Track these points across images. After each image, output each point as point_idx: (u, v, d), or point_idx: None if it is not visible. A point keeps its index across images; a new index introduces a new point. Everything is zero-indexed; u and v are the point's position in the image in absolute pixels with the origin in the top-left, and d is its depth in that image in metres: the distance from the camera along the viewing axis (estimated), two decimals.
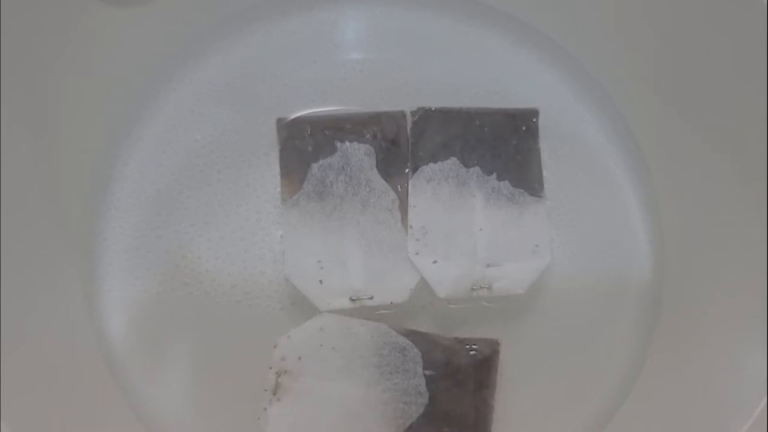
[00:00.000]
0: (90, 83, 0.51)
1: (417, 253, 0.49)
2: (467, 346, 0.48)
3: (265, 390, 0.47)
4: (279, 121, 0.52)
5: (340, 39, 0.56)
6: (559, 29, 0.56)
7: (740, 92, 0.48)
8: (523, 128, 0.52)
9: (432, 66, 0.55)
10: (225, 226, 0.52)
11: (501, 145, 0.51)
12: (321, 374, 0.47)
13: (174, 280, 0.51)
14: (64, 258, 0.50)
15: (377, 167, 0.50)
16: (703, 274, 0.50)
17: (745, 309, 0.46)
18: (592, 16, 0.54)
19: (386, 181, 0.50)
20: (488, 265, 0.49)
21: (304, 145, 0.51)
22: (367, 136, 0.51)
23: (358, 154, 0.50)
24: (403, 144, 0.51)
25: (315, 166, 0.50)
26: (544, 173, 0.52)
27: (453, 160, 0.51)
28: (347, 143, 0.51)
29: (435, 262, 0.49)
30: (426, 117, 0.52)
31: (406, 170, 0.51)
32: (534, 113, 0.52)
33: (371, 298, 0.48)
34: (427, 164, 0.51)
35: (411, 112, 0.52)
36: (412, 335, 0.48)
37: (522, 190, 0.51)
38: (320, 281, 0.48)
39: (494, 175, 0.51)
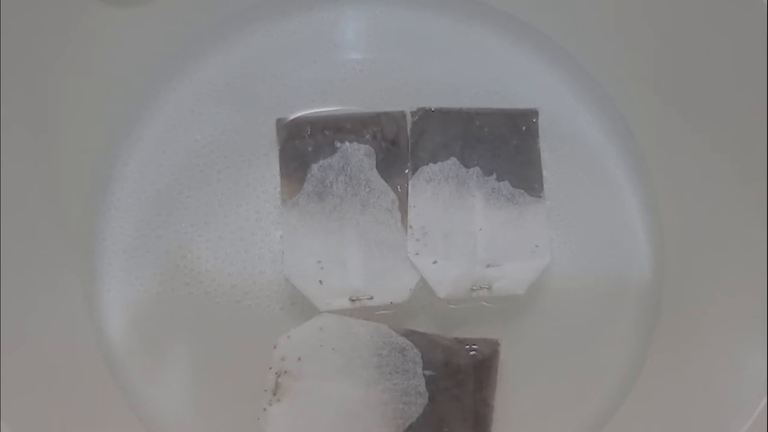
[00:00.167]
0: (90, 83, 0.51)
1: (417, 254, 0.49)
2: (467, 347, 0.48)
3: (265, 390, 0.47)
4: (279, 121, 0.52)
5: (340, 39, 0.56)
6: (559, 29, 0.56)
7: (740, 92, 0.48)
8: (523, 128, 0.52)
9: (432, 66, 0.55)
10: (225, 226, 0.52)
11: (501, 146, 0.51)
12: (321, 374, 0.47)
13: (174, 280, 0.51)
14: (64, 258, 0.50)
15: (377, 167, 0.50)
16: (703, 274, 0.50)
17: (745, 309, 0.46)
18: (592, 16, 0.54)
19: (386, 181, 0.50)
20: (488, 266, 0.49)
21: (304, 146, 0.51)
22: (367, 136, 0.51)
23: (358, 154, 0.50)
24: (403, 144, 0.51)
25: (315, 167, 0.50)
26: (544, 173, 0.52)
27: (453, 160, 0.51)
28: (347, 143, 0.51)
29: (435, 262, 0.49)
30: (426, 117, 0.52)
31: (406, 170, 0.51)
32: (534, 113, 0.52)
33: (371, 298, 0.48)
34: (427, 164, 0.51)
35: (411, 112, 0.52)
36: (412, 335, 0.48)
37: (522, 191, 0.51)
38: (320, 281, 0.48)
39: (494, 176, 0.51)
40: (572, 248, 0.53)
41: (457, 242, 0.49)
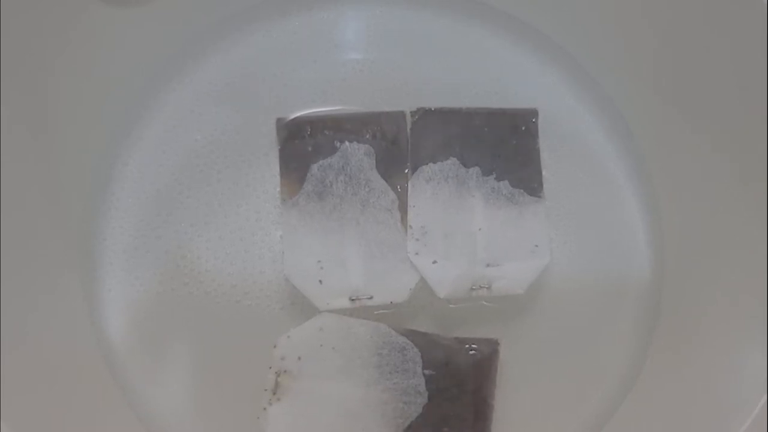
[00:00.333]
0: (90, 83, 0.51)
1: (417, 253, 0.49)
2: (467, 346, 0.48)
3: (265, 390, 0.47)
4: (279, 121, 0.52)
5: (340, 39, 0.56)
6: (558, 29, 0.56)
7: (740, 92, 0.48)
8: (523, 128, 0.52)
9: (432, 66, 0.55)
10: (225, 226, 0.52)
11: (500, 145, 0.51)
12: (321, 374, 0.47)
13: (174, 280, 0.51)
14: (63, 258, 0.50)
15: (377, 167, 0.50)
16: (703, 273, 0.50)
17: (745, 309, 0.46)
18: (592, 16, 0.54)
19: (386, 181, 0.50)
20: (488, 265, 0.49)
21: (304, 145, 0.51)
22: (367, 136, 0.51)
23: (358, 154, 0.50)
24: (403, 144, 0.51)
25: (315, 166, 0.50)
26: (544, 173, 0.52)
27: (452, 160, 0.51)
28: (347, 143, 0.51)
29: (435, 262, 0.49)
30: (426, 117, 0.52)
31: (406, 170, 0.51)
32: (534, 113, 0.52)
33: (371, 297, 0.48)
34: (427, 164, 0.51)
35: (411, 112, 0.52)
36: (412, 335, 0.48)
37: (521, 190, 0.51)
38: (320, 281, 0.48)
39: (494, 175, 0.51)
40: (572, 248, 0.53)
41: (456, 242, 0.49)
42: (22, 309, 0.46)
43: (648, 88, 0.54)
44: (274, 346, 0.47)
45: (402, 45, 0.56)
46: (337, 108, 0.53)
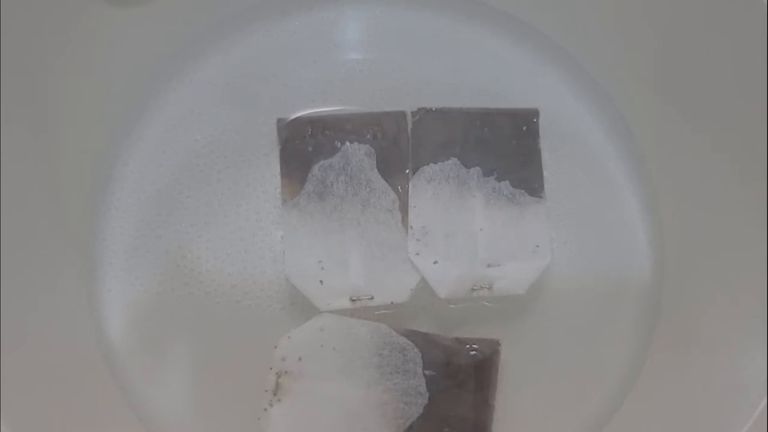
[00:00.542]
0: (90, 83, 0.51)
1: (417, 254, 0.49)
2: (467, 346, 0.48)
3: (266, 390, 0.47)
4: (279, 121, 0.52)
5: (340, 39, 0.56)
6: (559, 29, 0.56)
7: (740, 92, 0.48)
8: (524, 128, 0.52)
9: (432, 66, 0.55)
10: (225, 226, 0.52)
11: (501, 146, 0.51)
12: (321, 374, 0.47)
13: (174, 280, 0.51)
14: (63, 258, 0.50)
15: (377, 167, 0.50)
16: (703, 274, 0.50)
17: (746, 309, 0.46)
18: (592, 16, 0.54)
19: (386, 181, 0.50)
20: (489, 266, 0.49)
21: (305, 146, 0.51)
22: (368, 136, 0.51)
23: (359, 154, 0.50)
24: (404, 144, 0.51)
25: (315, 167, 0.50)
26: (544, 173, 0.52)
27: (453, 160, 0.51)
28: (348, 143, 0.51)
29: (435, 262, 0.49)
30: (426, 117, 0.52)
31: (407, 170, 0.51)
32: (534, 113, 0.52)
33: (371, 298, 0.48)
34: (428, 164, 0.51)
35: (411, 112, 0.52)
36: (413, 335, 0.48)
37: (522, 191, 0.51)
38: (320, 281, 0.48)
39: (494, 176, 0.51)
40: (572, 248, 0.53)
41: (457, 242, 0.49)
42: (22, 309, 0.46)
43: (648, 88, 0.54)
44: (275, 347, 0.47)
45: (402, 45, 0.56)
46: (337, 108, 0.53)
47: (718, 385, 0.45)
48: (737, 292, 0.47)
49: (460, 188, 0.50)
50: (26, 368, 0.44)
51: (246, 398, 0.48)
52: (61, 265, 0.50)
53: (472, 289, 0.49)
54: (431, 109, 0.52)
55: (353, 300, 0.48)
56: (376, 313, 0.49)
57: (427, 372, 0.47)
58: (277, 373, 0.47)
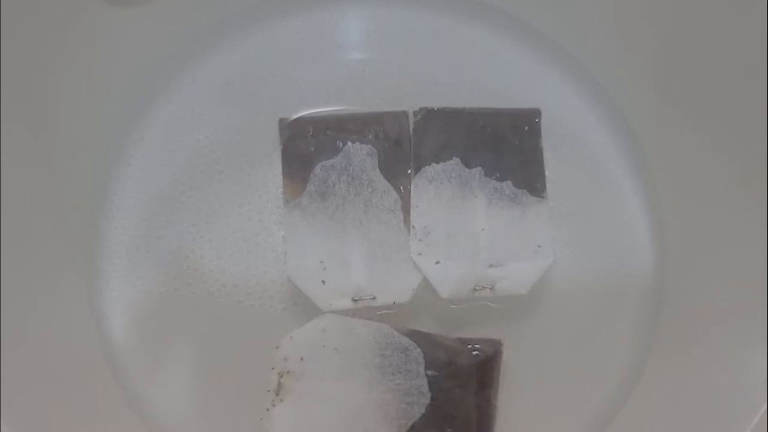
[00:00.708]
0: (90, 83, 0.51)
1: (419, 254, 0.49)
2: (470, 347, 0.48)
3: (268, 390, 0.47)
4: (281, 121, 0.52)
5: (342, 39, 0.56)
6: (559, 29, 0.56)
7: (740, 92, 0.48)
8: (526, 128, 0.52)
9: (433, 66, 0.55)
10: (227, 227, 0.52)
11: (503, 146, 0.51)
12: (323, 375, 0.47)
13: (176, 280, 0.51)
14: (65, 258, 0.50)
15: (379, 167, 0.50)
16: (705, 274, 0.50)
17: (747, 309, 0.46)
18: (592, 16, 0.54)
19: (388, 181, 0.50)
20: (491, 266, 0.49)
21: (307, 146, 0.51)
22: (370, 136, 0.51)
23: (361, 154, 0.50)
24: (406, 144, 0.51)
25: (317, 167, 0.50)
26: (546, 173, 0.52)
27: (455, 160, 0.51)
28: (349, 143, 0.51)
29: (437, 262, 0.49)
30: (428, 117, 0.52)
31: (409, 171, 0.51)
32: (536, 113, 0.52)
33: (374, 298, 0.48)
34: (430, 164, 0.51)
35: (413, 112, 0.52)
36: (415, 335, 0.48)
37: (524, 191, 0.51)
38: (323, 282, 0.48)
39: (496, 176, 0.51)
40: (574, 248, 0.53)
41: (459, 242, 0.49)
42: (23, 309, 0.46)
43: (648, 87, 0.54)
44: (277, 347, 0.47)
45: (404, 45, 0.56)
46: (339, 108, 0.53)
47: (720, 386, 0.45)
48: (739, 293, 0.47)
49: (462, 188, 0.50)
50: (27, 368, 0.44)
51: (248, 398, 0.48)
52: (62, 265, 0.50)
53: (474, 289, 0.49)
54: (433, 109, 0.52)
55: (355, 300, 0.48)
56: (378, 313, 0.49)
57: (429, 372, 0.47)
58: (279, 373, 0.47)
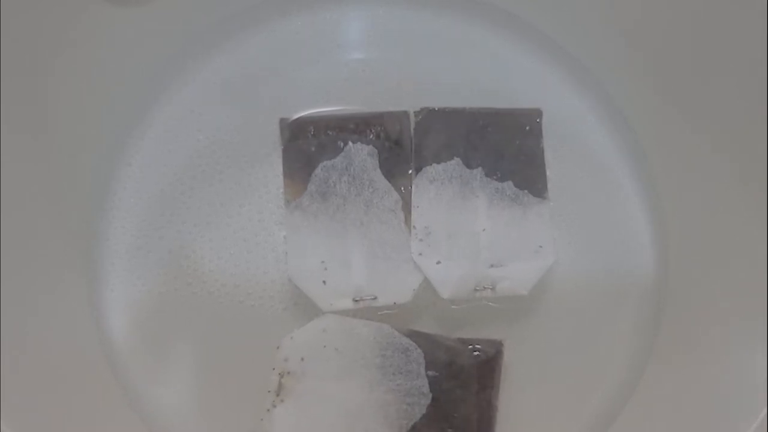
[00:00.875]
0: (90, 83, 0.51)
1: (420, 254, 0.49)
2: (470, 347, 0.48)
3: (269, 391, 0.47)
4: (282, 121, 0.52)
5: (343, 39, 0.56)
6: (559, 29, 0.56)
7: (740, 92, 0.48)
8: (527, 128, 0.52)
9: (434, 66, 0.55)
10: (227, 227, 0.52)
11: (504, 146, 0.51)
12: (324, 375, 0.47)
13: (176, 280, 0.51)
14: (66, 258, 0.50)
15: (380, 168, 0.50)
16: (705, 274, 0.50)
17: (748, 309, 0.46)
18: (593, 16, 0.54)
19: (389, 181, 0.50)
20: (492, 266, 0.49)
21: (307, 146, 0.51)
22: (371, 136, 0.51)
23: (362, 154, 0.50)
24: (406, 144, 0.51)
25: (318, 167, 0.50)
26: (547, 173, 0.52)
27: (456, 160, 0.50)
28: (350, 143, 0.50)
29: (438, 262, 0.49)
30: (429, 117, 0.52)
31: (410, 171, 0.51)
32: (537, 113, 0.52)
33: (374, 298, 0.48)
34: (431, 165, 0.51)
35: (414, 112, 0.52)
36: (415, 336, 0.48)
37: (525, 191, 0.50)
38: (323, 282, 0.48)
39: (497, 176, 0.51)
40: (575, 248, 0.53)
41: (460, 243, 0.49)
42: (23, 309, 0.46)
43: (648, 87, 0.54)
44: (278, 347, 0.47)
45: (405, 45, 0.56)
46: (340, 108, 0.53)
47: (722, 386, 0.45)
48: (739, 293, 0.47)
49: (462, 188, 0.50)
50: (27, 368, 0.44)
51: (249, 398, 0.48)
52: (62, 265, 0.50)
53: (475, 290, 0.49)
54: (434, 109, 0.52)
55: (356, 300, 0.48)
56: (379, 313, 0.49)
57: (429, 373, 0.47)
58: (279, 374, 0.47)
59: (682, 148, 0.52)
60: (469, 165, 0.51)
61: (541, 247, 0.49)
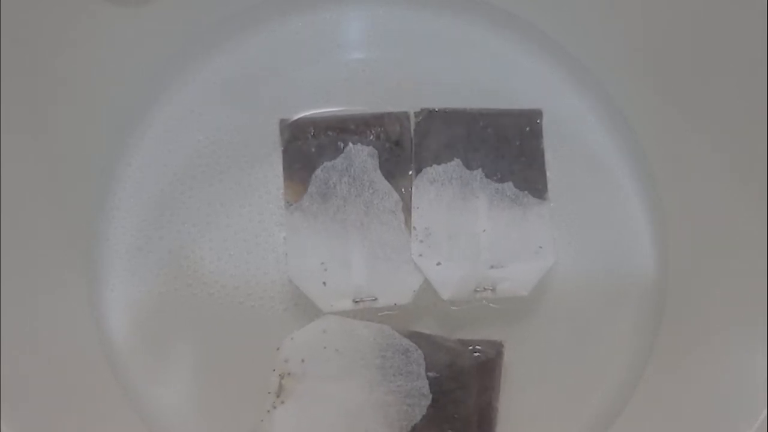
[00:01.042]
0: (90, 83, 0.51)
1: (420, 255, 0.49)
2: (471, 348, 0.48)
3: (269, 392, 0.47)
4: (282, 121, 0.52)
5: (343, 39, 0.56)
6: (559, 29, 0.56)
7: (740, 92, 0.48)
8: (527, 129, 0.52)
9: (434, 66, 0.55)
10: (227, 227, 0.52)
11: (505, 147, 0.51)
12: (324, 376, 0.47)
13: (176, 280, 0.51)
14: (66, 258, 0.50)
15: (380, 168, 0.50)
16: (706, 274, 0.50)
17: (749, 310, 0.46)
18: (593, 16, 0.54)
19: (389, 182, 0.50)
20: (492, 267, 0.49)
21: (307, 146, 0.51)
22: (371, 137, 0.51)
23: (362, 155, 0.50)
24: (407, 145, 0.51)
25: (318, 168, 0.50)
26: (547, 174, 0.52)
27: (456, 161, 0.50)
28: (350, 144, 0.50)
29: (439, 263, 0.49)
30: (429, 118, 0.51)
31: (410, 172, 0.51)
32: (538, 114, 0.52)
33: (375, 299, 0.48)
34: (431, 166, 0.50)
35: (414, 112, 0.52)
36: (416, 337, 0.48)
37: (526, 192, 0.50)
38: (324, 283, 0.48)
39: (498, 177, 0.51)
40: (575, 249, 0.53)
41: (460, 243, 0.49)
42: (23, 309, 0.46)
43: (648, 87, 0.54)
44: (278, 348, 0.47)
45: (405, 45, 0.56)
46: (339, 108, 0.53)
47: (722, 387, 0.45)
48: (739, 293, 0.47)
49: (463, 189, 0.50)
50: (27, 368, 0.44)
51: (249, 399, 0.48)
52: (63, 265, 0.50)
53: (475, 291, 0.49)
54: (434, 110, 0.52)
55: (356, 301, 0.48)
56: (379, 314, 0.49)
57: (430, 374, 0.47)
58: (280, 375, 0.47)
59: (682, 148, 0.52)
60: (469, 166, 0.51)
61: (541, 247, 0.49)
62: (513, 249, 0.49)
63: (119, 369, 0.50)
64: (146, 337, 0.51)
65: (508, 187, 0.50)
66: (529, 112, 0.52)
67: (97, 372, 0.50)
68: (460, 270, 0.49)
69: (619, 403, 0.50)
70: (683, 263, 0.52)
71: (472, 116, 0.52)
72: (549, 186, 0.51)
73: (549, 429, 0.50)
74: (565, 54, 0.56)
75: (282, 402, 0.46)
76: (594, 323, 0.52)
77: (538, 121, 0.52)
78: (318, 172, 0.50)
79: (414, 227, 0.49)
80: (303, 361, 0.47)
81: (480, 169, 0.51)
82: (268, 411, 0.46)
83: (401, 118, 0.52)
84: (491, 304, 0.51)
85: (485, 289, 0.49)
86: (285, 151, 0.51)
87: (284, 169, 0.51)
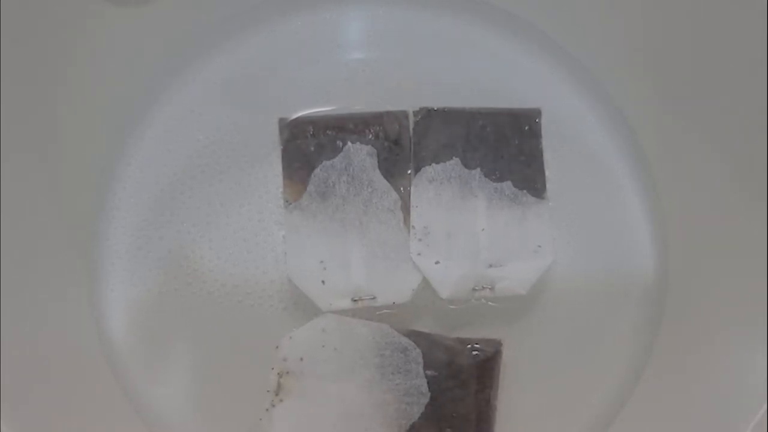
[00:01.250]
0: (90, 83, 0.51)
1: (419, 254, 0.49)
2: (469, 347, 0.48)
3: (268, 391, 0.47)
4: (281, 121, 0.52)
5: (342, 39, 0.56)
6: (559, 29, 0.56)
7: (740, 92, 0.48)
8: (526, 128, 0.52)
9: (434, 66, 0.55)
10: (227, 227, 0.52)
11: (503, 146, 0.51)
12: (323, 375, 0.47)
13: (176, 280, 0.51)
14: (66, 258, 0.50)
15: (379, 168, 0.50)
16: (705, 274, 0.50)
17: (749, 310, 0.46)
18: (592, 16, 0.54)
19: (388, 181, 0.50)
20: (490, 266, 0.49)
21: (307, 146, 0.51)
22: (370, 136, 0.51)
23: (361, 154, 0.50)
24: (406, 144, 0.51)
25: (317, 167, 0.50)
26: (546, 173, 0.52)
27: (455, 160, 0.50)
28: (350, 143, 0.50)
29: (437, 262, 0.49)
30: (428, 117, 0.52)
31: (409, 171, 0.51)
32: (537, 113, 0.52)
33: (373, 298, 0.48)
34: (430, 165, 0.50)
35: (413, 112, 0.52)
36: (414, 335, 0.48)
37: (524, 191, 0.50)
38: (322, 282, 0.48)
39: (496, 176, 0.51)
40: (575, 248, 0.53)
41: (459, 242, 0.49)
42: (23, 309, 0.46)
43: (648, 87, 0.54)
44: (277, 347, 0.47)
45: (404, 45, 0.56)
46: (339, 108, 0.53)
47: (721, 386, 0.45)
48: (739, 293, 0.47)
49: (462, 188, 0.50)
50: (27, 368, 0.44)
51: (248, 398, 0.48)
52: (62, 265, 0.50)
53: (474, 290, 0.49)
54: (433, 109, 0.52)
55: (355, 300, 0.48)
56: (378, 313, 0.49)
57: (428, 372, 0.47)
58: (278, 374, 0.47)
59: (682, 147, 0.52)
60: (468, 165, 0.51)
61: (540, 246, 0.49)
62: (512, 248, 0.49)
63: (119, 369, 0.50)
64: (146, 337, 0.51)
65: (507, 186, 0.50)
66: (528, 111, 0.52)
67: (97, 372, 0.50)
68: (458, 269, 0.49)
69: (619, 402, 0.50)
70: (683, 263, 0.52)
71: (471, 115, 0.52)
72: (549, 186, 0.51)
73: (548, 428, 0.50)
74: (565, 54, 0.56)
75: (281, 400, 0.46)
76: (593, 323, 0.52)
77: (536, 120, 0.52)
78: (317, 171, 0.50)
79: (413, 226, 0.49)
80: (302, 359, 0.47)
81: (479, 169, 0.51)
82: (267, 409, 0.46)
83: (400, 117, 0.52)
84: (490, 303, 0.50)
85: (484, 287, 0.49)
86: (284, 150, 0.51)
87: (283, 168, 0.51)
